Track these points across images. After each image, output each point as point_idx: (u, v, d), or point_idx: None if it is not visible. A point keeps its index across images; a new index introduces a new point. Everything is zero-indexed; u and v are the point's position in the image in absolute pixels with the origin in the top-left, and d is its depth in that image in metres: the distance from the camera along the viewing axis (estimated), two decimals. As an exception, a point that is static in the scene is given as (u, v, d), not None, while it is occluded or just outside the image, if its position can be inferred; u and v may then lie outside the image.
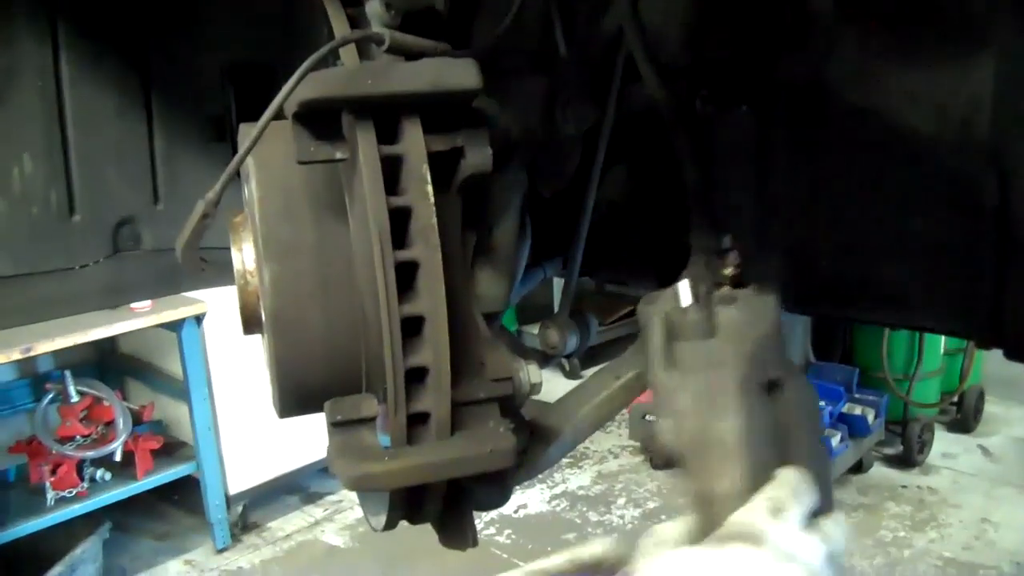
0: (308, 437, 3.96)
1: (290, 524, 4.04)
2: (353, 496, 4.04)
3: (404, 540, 4.12)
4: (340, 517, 4.08)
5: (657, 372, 0.71)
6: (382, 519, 0.91)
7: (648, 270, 1.23)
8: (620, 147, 1.12)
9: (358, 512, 4.10)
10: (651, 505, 4.07)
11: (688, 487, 0.66)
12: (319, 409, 0.85)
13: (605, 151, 1.07)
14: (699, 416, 0.68)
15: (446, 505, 0.83)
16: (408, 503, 0.80)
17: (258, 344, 0.86)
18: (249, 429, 3.83)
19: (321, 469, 4.17)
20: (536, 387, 0.83)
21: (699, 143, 0.87)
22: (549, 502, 4.18)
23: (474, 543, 0.86)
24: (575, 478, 4.41)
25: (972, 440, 4.68)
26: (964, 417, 4.74)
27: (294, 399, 0.80)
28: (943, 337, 4.89)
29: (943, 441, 4.58)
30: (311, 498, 4.25)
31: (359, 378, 0.78)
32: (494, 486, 0.92)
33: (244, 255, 0.82)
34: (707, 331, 0.73)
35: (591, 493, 4.31)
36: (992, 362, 4.97)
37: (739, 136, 1.08)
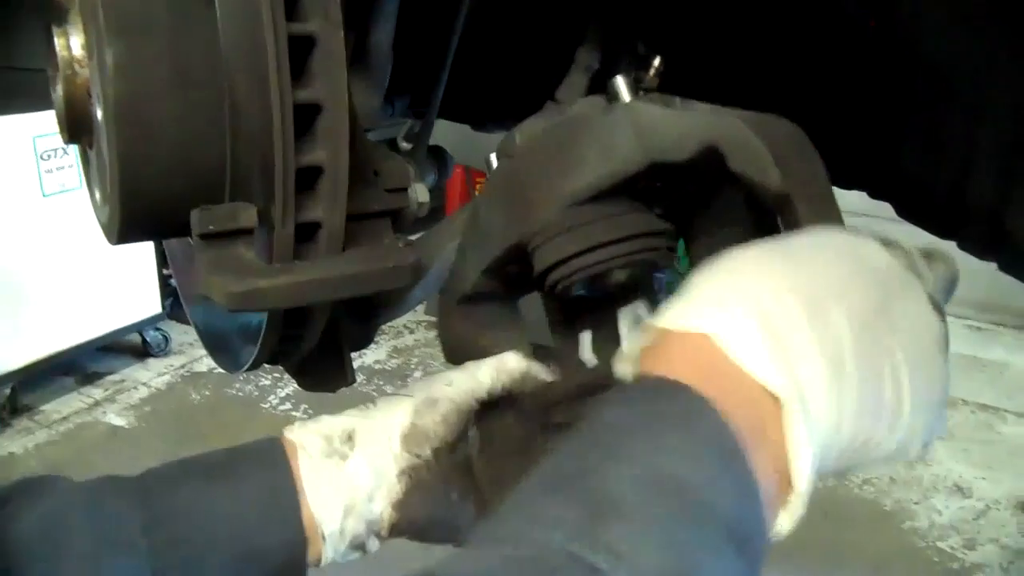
0: (82, 313, 3.66)
1: (67, 406, 3.73)
2: (137, 375, 3.80)
3: (194, 419, 3.96)
4: (122, 397, 3.82)
5: (735, 122, 0.59)
6: (242, 359, 0.81)
7: (508, 112, 1.15)
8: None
9: (142, 392, 3.86)
10: (448, 378, 4.12)
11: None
12: (166, 232, 0.73)
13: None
14: (802, 161, 0.59)
15: (320, 341, 0.74)
16: (285, 333, 0.70)
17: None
18: (14, 304, 3.45)
19: (99, 348, 3.87)
20: (424, 207, 0.74)
21: None
22: (346, 377, 4.12)
23: (352, 380, 0.78)
24: (371, 353, 4.36)
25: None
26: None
27: (139, 216, 0.67)
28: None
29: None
30: (89, 379, 3.93)
31: (221, 188, 0.66)
32: (363, 323, 0.84)
33: (71, 39, 0.67)
34: None
35: (387, 367, 4.29)
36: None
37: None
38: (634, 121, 0.62)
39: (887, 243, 0.56)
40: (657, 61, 0.74)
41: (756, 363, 0.48)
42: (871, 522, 3.03)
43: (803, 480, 0.47)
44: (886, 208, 0.98)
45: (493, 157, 0.75)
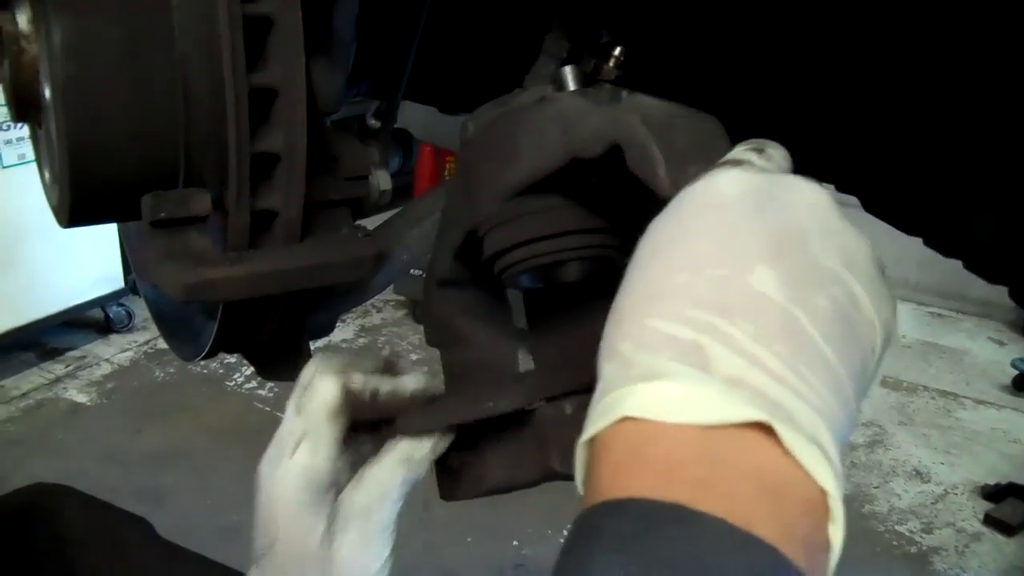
0: (43, 287, 3.60)
1: (27, 382, 3.67)
2: (99, 351, 3.73)
3: (158, 396, 3.89)
4: (84, 374, 3.77)
5: (634, 121, 0.56)
6: (194, 348, 0.79)
7: (476, 96, 1.13)
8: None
9: (104, 368, 3.81)
10: (413, 357, 4.09)
11: None
12: (118, 216, 0.70)
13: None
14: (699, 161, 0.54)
15: (278, 329, 0.72)
16: (242, 322, 0.68)
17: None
18: (-29, 278, 3.39)
19: (60, 323, 3.80)
20: (386, 195, 0.73)
21: None
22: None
23: (309, 369, 0.76)
24: (339, 332, 4.33)
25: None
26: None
27: (89, 199, 0.65)
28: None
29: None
30: (50, 354, 3.87)
31: (175, 173, 0.63)
32: (323, 311, 0.82)
33: (17, 13, 0.64)
34: None
35: (355, 346, 4.27)
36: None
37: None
38: (560, 115, 0.61)
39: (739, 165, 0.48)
40: (618, 51, 0.72)
41: (813, 463, 0.37)
42: (832, 505, 3.07)
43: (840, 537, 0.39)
44: (853, 200, 0.98)
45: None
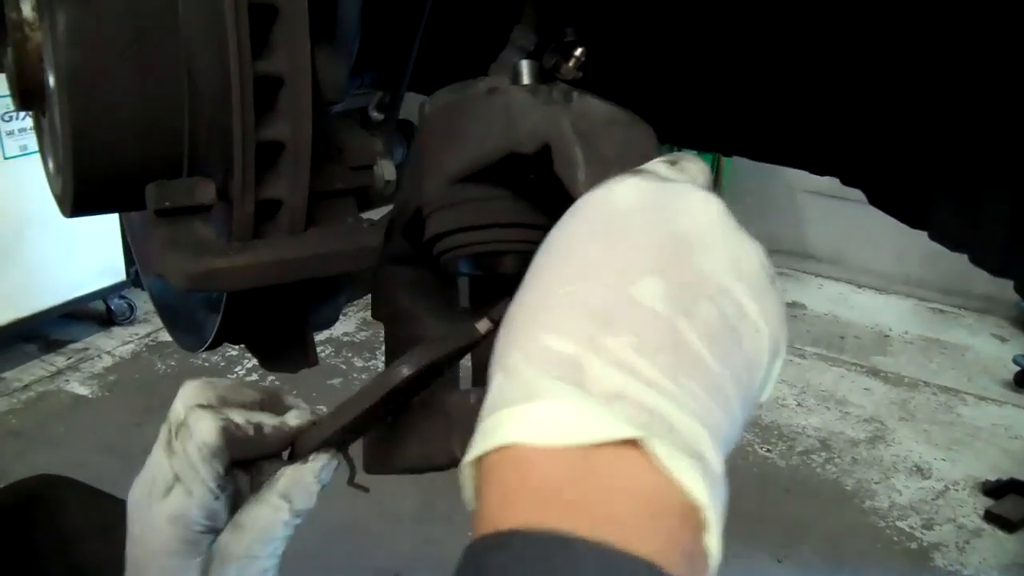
0: (45, 279, 3.60)
1: (28, 374, 3.67)
2: (101, 344, 3.72)
3: (159, 389, 3.89)
4: (86, 366, 3.77)
5: (564, 123, 0.57)
6: (197, 339, 0.78)
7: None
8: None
9: (106, 361, 3.81)
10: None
11: None
12: (122, 205, 0.70)
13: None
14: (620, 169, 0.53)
15: (282, 320, 0.72)
16: (246, 313, 0.68)
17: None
18: (-27, 270, 3.39)
19: (62, 315, 3.80)
20: (390, 185, 0.73)
21: None
22: (314, 348, 4.09)
23: (314, 361, 0.76)
24: (340, 325, 4.33)
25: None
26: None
27: (93, 189, 0.64)
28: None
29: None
30: (51, 346, 3.87)
31: (179, 162, 0.63)
32: (327, 302, 0.82)
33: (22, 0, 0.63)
34: None
35: (356, 339, 4.27)
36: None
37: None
38: (505, 108, 0.61)
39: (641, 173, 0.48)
40: (579, 51, 0.71)
41: (685, 476, 0.37)
42: (833, 501, 3.07)
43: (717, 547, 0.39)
44: (858, 194, 0.98)
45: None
